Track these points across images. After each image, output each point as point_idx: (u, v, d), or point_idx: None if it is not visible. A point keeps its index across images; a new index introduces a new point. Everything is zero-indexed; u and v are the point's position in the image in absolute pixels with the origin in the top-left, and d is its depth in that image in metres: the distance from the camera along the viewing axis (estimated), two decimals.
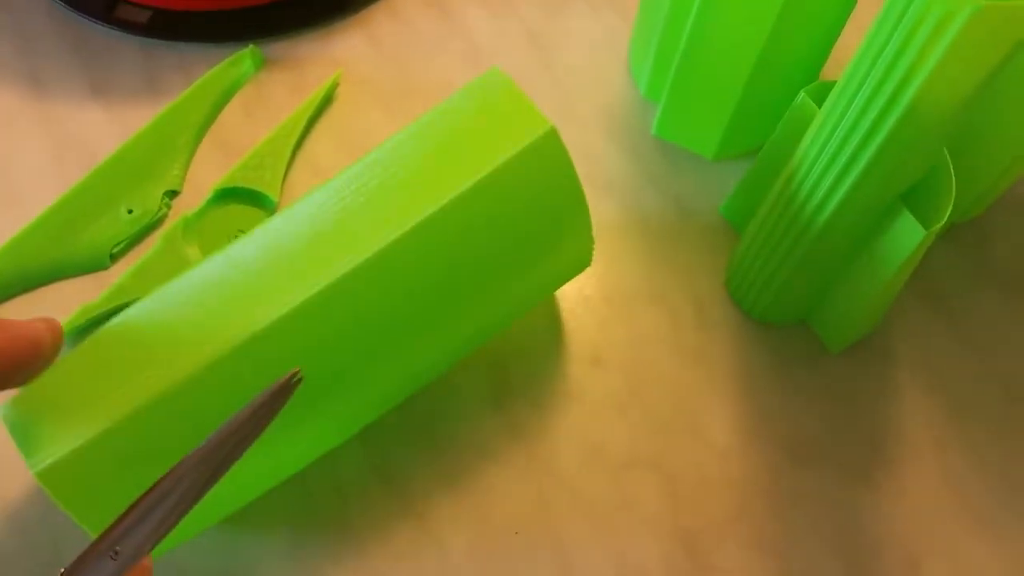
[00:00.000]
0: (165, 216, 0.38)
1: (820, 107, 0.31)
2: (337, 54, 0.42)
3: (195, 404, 0.26)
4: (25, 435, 0.26)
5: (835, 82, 0.30)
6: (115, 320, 0.28)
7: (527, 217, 0.30)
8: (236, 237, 0.37)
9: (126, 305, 0.35)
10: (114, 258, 0.37)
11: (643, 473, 0.34)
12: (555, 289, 0.34)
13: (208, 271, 0.28)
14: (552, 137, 0.29)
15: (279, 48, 0.42)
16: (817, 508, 0.34)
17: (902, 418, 0.36)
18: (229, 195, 0.38)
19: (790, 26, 0.34)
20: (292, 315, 0.27)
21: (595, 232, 0.38)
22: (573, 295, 0.37)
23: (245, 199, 0.38)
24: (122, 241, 0.37)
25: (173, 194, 0.38)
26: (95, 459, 0.25)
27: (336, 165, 0.40)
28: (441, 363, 0.32)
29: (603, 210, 0.39)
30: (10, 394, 0.27)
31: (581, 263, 0.33)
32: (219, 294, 0.28)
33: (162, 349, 0.27)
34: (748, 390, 0.36)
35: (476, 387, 0.35)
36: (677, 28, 0.36)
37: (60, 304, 0.36)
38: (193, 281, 0.28)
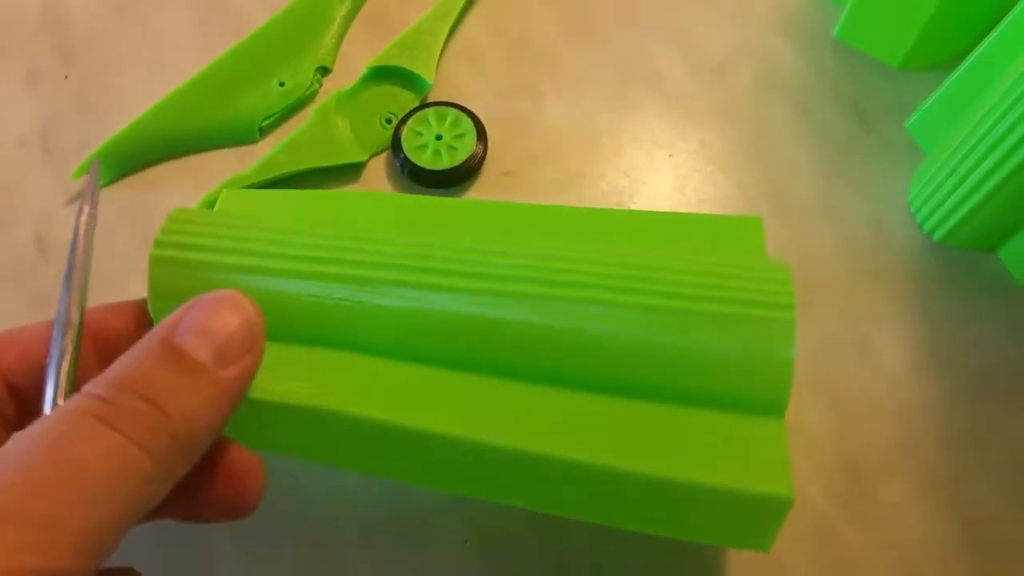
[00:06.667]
0: (316, 92, 0.36)
1: None
2: None
3: None
4: None
5: None
6: None
7: None
8: (388, 119, 0.36)
9: (275, 178, 0.34)
10: (263, 132, 0.36)
11: (809, 394, 0.32)
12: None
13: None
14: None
15: None
16: (993, 444, 0.31)
17: None
18: (383, 74, 0.36)
19: None
20: None
21: (767, 139, 0.36)
22: (740, 201, 0.35)
23: (398, 80, 0.36)
24: (272, 115, 0.35)
25: (324, 71, 0.37)
26: None
27: (490, 52, 0.38)
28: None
29: (777, 115, 0.36)
30: None
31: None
32: None
33: None
34: (925, 315, 0.33)
35: None
36: None
37: (206, 173, 0.35)
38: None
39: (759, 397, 0.24)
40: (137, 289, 0.34)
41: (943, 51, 0.36)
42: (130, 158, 0.35)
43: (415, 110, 0.35)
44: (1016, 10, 0.30)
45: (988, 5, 0.35)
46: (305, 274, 0.25)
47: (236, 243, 0.26)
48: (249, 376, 0.22)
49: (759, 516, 0.24)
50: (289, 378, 0.24)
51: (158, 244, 0.26)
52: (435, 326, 0.24)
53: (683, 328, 0.24)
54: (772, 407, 0.24)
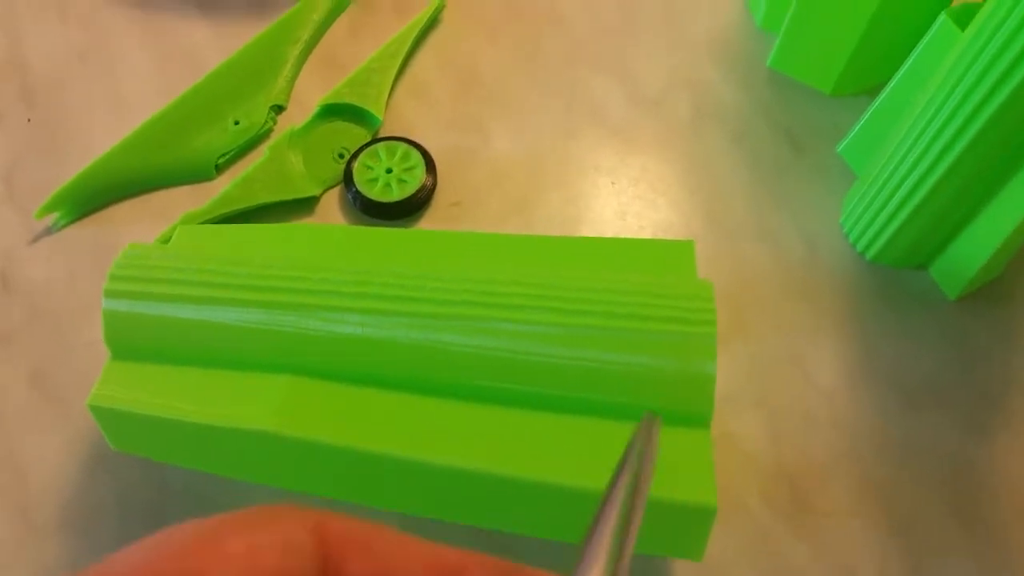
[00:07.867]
0: (271, 130, 0.38)
1: (963, 31, 0.30)
2: None
3: None
4: None
5: (981, 2, 0.28)
6: None
7: None
8: (340, 154, 0.37)
9: (230, 214, 0.35)
10: (219, 169, 0.37)
11: (745, 408, 0.33)
12: None
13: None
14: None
15: None
16: (927, 454, 0.33)
17: (1020, 368, 0.34)
18: (335, 111, 0.37)
19: None
20: None
21: (702, 160, 0.37)
22: (680, 227, 0.36)
23: (350, 116, 0.37)
24: (228, 152, 0.37)
25: (279, 109, 0.38)
26: None
27: (439, 88, 0.39)
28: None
29: (714, 141, 0.38)
30: None
31: None
32: None
33: None
34: (859, 332, 0.34)
35: None
36: None
37: (165, 210, 0.36)
38: None
39: (684, 409, 0.25)
40: (98, 324, 0.35)
41: (873, 77, 0.38)
42: (91, 197, 0.36)
43: (366, 145, 0.37)
44: (927, 36, 0.32)
45: (911, 32, 0.37)
46: (251, 303, 0.26)
47: (186, 275, 0.27)
48: None
49: (687, 525, 0.25)
50: (232, 402, 0.25)
51: (111, 278, 0.27)
52: (374, 349, 0.26)
53: (611, 345, 0.25)
54: (697, 419, 0.25)
